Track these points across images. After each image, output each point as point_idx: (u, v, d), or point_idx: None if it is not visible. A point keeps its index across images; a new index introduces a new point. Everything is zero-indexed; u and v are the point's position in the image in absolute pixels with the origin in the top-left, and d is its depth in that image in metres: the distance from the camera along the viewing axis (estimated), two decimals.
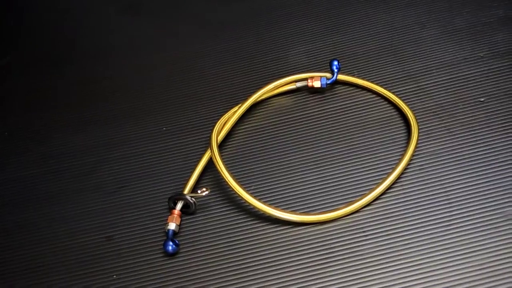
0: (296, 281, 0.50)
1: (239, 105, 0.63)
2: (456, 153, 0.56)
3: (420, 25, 0.69)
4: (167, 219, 0.54)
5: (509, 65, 0.62)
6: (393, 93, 0.61)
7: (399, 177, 0.54)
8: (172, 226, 0.53)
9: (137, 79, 0.72)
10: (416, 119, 0.58)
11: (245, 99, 0.63)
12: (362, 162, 0.57)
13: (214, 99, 0.67)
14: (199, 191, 0.55)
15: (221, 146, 0.60)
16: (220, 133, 0.60)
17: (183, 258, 0.52)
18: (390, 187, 0.54)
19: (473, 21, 0.68)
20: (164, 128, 0.65)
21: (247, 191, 0.54)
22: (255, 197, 0.54)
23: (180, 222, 0.54)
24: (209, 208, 0.56)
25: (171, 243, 0.52)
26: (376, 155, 0.57)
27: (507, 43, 0.65)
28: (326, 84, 0.64)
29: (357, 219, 0.53)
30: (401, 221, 0.52)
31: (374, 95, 0.63)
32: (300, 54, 0.70)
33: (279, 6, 0.77)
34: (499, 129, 0.57)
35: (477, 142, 0.56)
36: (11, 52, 0.79)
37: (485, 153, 0.55)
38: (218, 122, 0.61)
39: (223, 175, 0.55)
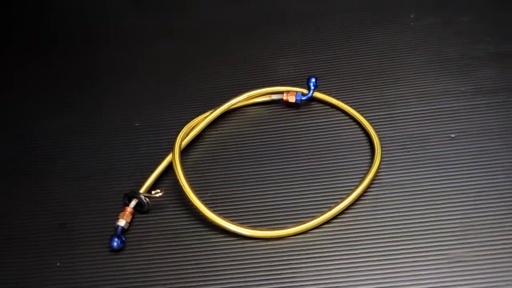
0: None
1: (211, 110, 0.63)
2: (417, 187, 0.55)
3: (410, 50, 0.69)
4: (119, 215, 0.55)
5: (488, 104, 0.61)
6: (365, 117, 0.61)
7: (353, 203, 0.54)
8: (121, 222, 0.54)
9: (123, 70, 0.73)
10: (381, 147, 0.57)
11: (218, 106, 0.63)
12: (321, 183, 0.57)
13: (192, 101, 0.67)
14: (153, 192, 0.55)
15: (187, 149, 0.61)
16: (186, 136, 0.60)
17: (127, 255, 0.53)
18: (342, 212, 0.54)
19: (463, 53, 0.67)
20: (137, 124, 0.66)
21: (199, 198, 0.54)
22: (206, 205, 0.54)
23: (132, 219, 0.55)
24: (163, 210, 0.57)
25: (117, 239, 0.53)
26: (336, 177, 0.57)
27: (492, 81, 0.63)
28: (301, 100, 0.63)
29: (305, 239, 0.53)
30: (346, 248, 0.51)
31: (346, 117, 0.62)
32: (287, 66, 0.70)
33: (276, 16, 0.77)
34: (466, 168, 0.56)
35: (441, 179, 0.55)
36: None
37: (447, 191, 0.54)
38: (187, 125, 0.61)
39: (179, 179, 0.55)
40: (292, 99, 0.64)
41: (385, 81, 0.65)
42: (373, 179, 0.55)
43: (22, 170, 0.62)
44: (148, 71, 0.73)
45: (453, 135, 0.59)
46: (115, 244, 0.52)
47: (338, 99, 0.63)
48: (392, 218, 0.53)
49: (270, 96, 0.65)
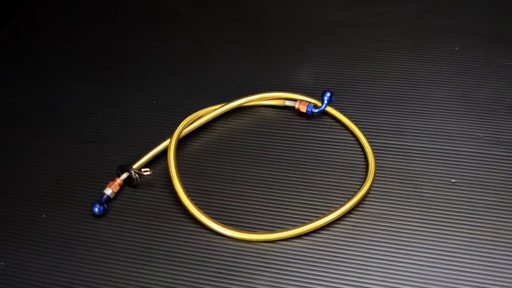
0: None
1: (223, 104, 0.64)
2: (400, 224, 0.53)
3: (435, 85, 0.66)
4: (108, 184, 0.58)
5: (502, 156, 0.58)
6: (370, 143, 0.59)
7: (330, 223, 0.53)
8: (108, 191, 0.57)
9: (161, 50, 0.76)
10: (374, 176, 0.56)
11: (231, 101, 0.64)
12: (309, 195, 0.56)
13: (213, 90, 0.69)
14: (142, 169, 0.58)
15: (190, 137, 0.63)
16: (190, 125, 0.62)
17: (106, 222, 0.56)
18: (321, 228, 0.53)
19: (495, 99, 0.63)
20: (155, 102, 0.68)
21: (184, 188, 0.55)
22: (189, 195, 0.55)
23: (119, 191, 0.58)
24: (152, 189, 0.59)
25: (99, 205, 0.55)
26: (324, 193, 0.56)
27: None
28: (312, 112, 0.63)
29: (288, 247, 0.53)
30: (326, 262, 0.51)
31: (352, 138, 0.61)
32: (309, 74, 0.69)
33: (308, 23, 0.77)
34: (455, 217, 0.53)
35: (426, 221, 0.53)
36: None
37: (431, 234, 0.52)
38: (194, 114, 0.63)
39: (169, 165, 0.57)
40: (303, 109, 0.63)
41: (403, 110, 0.63)
42: (355, 205, 0.54)
43: (41, 124, 0.67)
44: (181, 57, 0.75)
45: (453, 180, 0.56)
46: (96, 209, 0.55)
47: (349, 118, 0.62)
48: (370, 246, 0.52)
49: (284, 102, 0.65)
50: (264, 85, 0.68)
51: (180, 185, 0.55)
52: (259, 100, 0.65)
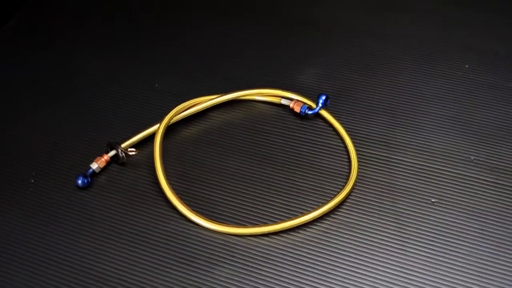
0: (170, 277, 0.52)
1: (220, 94, 0.65)
2: (375, 235, 0.53)
3: (437, 101, 0.65)
4: (95, 159, 0.59)
5: (490, 183, 0.56)
6: (356, 151, 0.59)
7: (306, 224, 0.54)
8: (94, 165, 0.59)
9: (177, 37, 0.78)
10: (353, 185, 0.56)
11: (228, 92, 0.65)
12: (288, 195, 0.56)
13: (213, 79, 0.70)
14: (129, 149, 0.59)
15: (182, 123, 0.64)
16: (184, 111, 0.63)
17: (88, 196, 0.58)
18: (296, 228, 0.53)
19: (500, 123, 0.61)
20: (156, 85, 0.70)
21: (165, 174, 0.56)
22: (170, 183, 0.56)
23: (106, 167, 0.60)
24: (138, 170, 0.60)
25: (83, 178, 0.57)
26: (305, 194, 0.56)
27: (509, 162, 0.58)
28: (305, 113, 0.63)
29: (256, 243, 0.53)
30: (289, 263, 0.51)
31: (341, 144, 0.61)
32: (311, 75, 0.69)
33: (316, 24, 0.77)
34: (432, 235, 0.52)
35: (402, 241, 0.52)
36: None
37: (403, 253, 0.52)
38: (190, 101, 0.64)
39: (154, 150, 0.58)
40: (297, 109, 0.63)
41: (398, 122, 0.62)
42: (328, 210, 0.54)
43: (51, 92, 0.70)
44: (190, 45, 0.76)
45: (433, 200, 0.55)
46: (79, 181, 0.57)
47: (342, 124, 0.62)
48: (333, 256, 0.52)
49: (280, 100, 0.65)
50: (265, 81, 0.68)
51: (161, 169, 0.56)
52: (256, 95, 0.66)
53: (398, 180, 0.57)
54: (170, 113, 0.61)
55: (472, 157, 0.58)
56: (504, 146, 0.59)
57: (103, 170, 0.60)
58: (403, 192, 0.56)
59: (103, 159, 0.59)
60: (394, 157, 0.59)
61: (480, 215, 0.53)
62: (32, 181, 0.59)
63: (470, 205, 0.54)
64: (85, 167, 0.59)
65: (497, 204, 0.54)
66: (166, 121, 0.60)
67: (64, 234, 0.55)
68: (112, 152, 0.60)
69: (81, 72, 0.73)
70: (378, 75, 0.69)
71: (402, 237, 0.52)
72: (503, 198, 0.55)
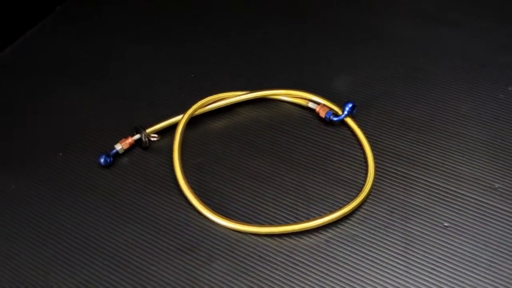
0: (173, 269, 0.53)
1: (249, 91, 0.65)
2: (378, 253, 0.52)
3: (469, 121, 0.62)
4: (120, 140, 0.62)
5: (509, 212, 0.53)
6: (375, 163, 0.58)
7: (309, 230, 0.53)
8: (118, 146, 0.61)
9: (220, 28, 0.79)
10: (364, 198, 0.54)
11: (257, 90, 0.65)
12: (301, 198, 0.56)
13: (248, 75, 0.70)
14: (152, 135, 0.61)
15: (210, 115, 0.65)
16: (209, 104, 0.64)
17: (108, 174, 0.60)
18: (299, 233, 0.53)
19: None
20: (192, 75, 0.71)
21: (181, 166, 0.57)
22: (185, 175, 0.57)
23: (129, 149, 0.62)
24: (159, 156, 0.62)
25: (105, 156, 0.60)
26: (317, 199, 0.56)
27: None
28: (330, 119, 0.62)
29: (258, 242, 0.53)
30: (285, 267, 0.51)
31: (361, 155, 0.59)
32: (345, 82, 0.68)
33: (363, 31, 0.76)
34: (439, 259, 0.50)
35: (406, 261, 0.51)
36: None
37: (406, 274, 0.50)
38: (218, 94, 0.65)
39: (174, 141, 0.59)
40: (322, 114, 0.63)
41: (424, 139, 0.60)
42: (333, 220, 0.53)
43: (87, 74, 0.74)
44: (241, 39, 0.77)
45: (446, 224, 0.53)
46: (102, 160, 0.60)
47: (365, 134, 0.60)
48: (332, 267, 0.51)
49: (308, 103, 0.65)
50: (297, 82, 0.68)
51: (178, 159, 0.58)
52: (284, 95, 0.66)
53: (413, 198, 0.55)
54: (195, 105, 0.62)
55: (497, 185, 0.55)
56: None
57: (126, 151, 0.62)
58: (416, 211, 0.54)
59: (127, 141, 0.62)
60: (414, 174, 0.57)
61: (492, 246, 0.51)
62: (60, 154, 0.63)
63: (484, 234, 0.52)
64: (111, 147, 0.62)
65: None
66: (189, 112, 0.61)
67: (80, 207, 0.57)
68: (137, 136, 0.62)
69: (119, 56, 0.76)
70: (414, 89, 0.66)
71: (408, 258, 0.51)
72: None
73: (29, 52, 0.79)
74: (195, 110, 0.62)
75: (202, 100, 0.63)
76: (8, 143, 0.66)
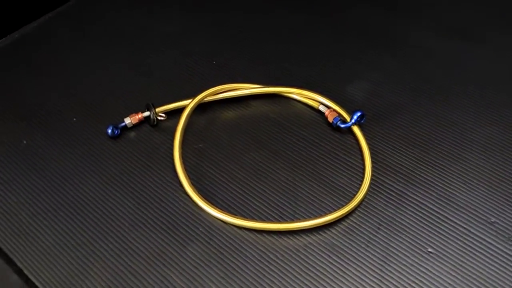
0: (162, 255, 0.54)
1: (261, 86, 0.66)
2: (352, 267, 0.51)
3: (477, 149, 0.59)
4: (130, 115, 0.64)
5: (498, 248, 0.50)
6: (373, 179, 0.56)
7: (289, 232, 0.53)
8: (127, 120, 0.63)
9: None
10: (352, 209, 0.54)
11: (271, 85, 0.65)
12: (287, 201, 0.56)
13: (266, 69, 0.71)
14: (160, 114, 0.63)
15: (222, 104, 0.66)
16: (220, 93, 0.65)
17: (113, 146, 0.62)
18: (279, 233, 0.53)
19: None
20: (214, 62, 0.72)
21: (181, 146, 0.59)
22: (183, 162, 0.58)
23: (138, 124, 0.64)
24: (165, 135, 0.63)
25: (112, 127, 0.62)
26: (303, 206, 0.56)
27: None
28: (336, 125, 0.61)
29: (242, 235, 0.54)
30: (260, 264, 0.51)
31: (361, 166, 0.58)
32: (362, 89, 0.67)
33: (386, 39, 0.75)
34: (413, 283, 0.49)
35: (380, 280, 0.50)
36: None
37: None
38: (229, 85, 0.65)
39: (179, 122, 0.60)
40: (330, 118, 0.62)
41: (429, 161, 0.58)
42: (314, 226, 0.53)
43: (119, 44, 0.76)
44: (272, 32, 0.78)
45: (430, 250, 0.51)
46: (109, 131, 0.62)
47: (369, 145, 0.59)
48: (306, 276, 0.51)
49: (319, 105, 0.64)
50: (316, 82, 0.68)
51: (179, 141, 0.59)
52: (297, 95, 0.65)
53: (402, 217, 0.54)
54: (205, 92, 0.63)
55: (493, 219, 0.53)
56: None
57: (135, 127, 0.64)
58: (403, 231, 0.53)
59: (137, 117, 0.64)
60: (409, 193, 0.56)
61: (473, 280, 0.49)
62: (74, 119, 0.66)
63: (468, 267, 0.50)
64: (122, 120, 0.64)
65: (498, 276, 0.49)
66: (198, 98, 0.62)
67: (81, 169, 0.60)
68: (146, 113, 0.64)
69: (147, 34, 0.78)
70: (428, 106, 0.65)
71: (382, 277, 0.50)
72: (509, 272, 0.49)
73: (70, 17, 0.83)
74: (205, 97, 0.63)
75: (213, 88, 0.64)
76: (27, 100, 0.69)
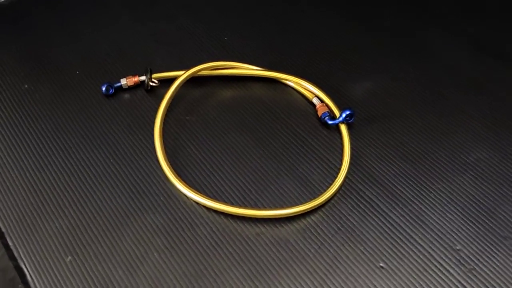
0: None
1: (260, 69, 0.64)
2: (300, 268, 0.50)
3: (467, 178, 0.55)
4: (127, 76, 0.64)
5: (450, 274, 0.47)
6: (347, 182, 0.54)
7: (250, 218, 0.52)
8: (122, 81, 0.64)
9: None
10: (312, 207, 0.52)
11: (272, 70, 0.64)
12: (261, 189, 0.55)
13: (278, 51, 0.69)
14: (153, 80, 0.63)
15: (221, 81, 0.65)
16: (216, 69, 0.64)
17: (106, 103, 0.63)
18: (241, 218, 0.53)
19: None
20: (226, 38, 0.71)
21: (163, 118, 0.59)
22: (164, 129, 0.59)
23: (133, 86, 0.64)
24: (157, 102, 0.62)
25: (107, 85, 0.63)
26: (274, 197, 0.54)
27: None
28: (324, 120, 0.59)
29: (211, 217, 0.53)
30: (212, 248, 0.51)
31: (338, 167, 0.56)
32: (365, 88, 0.64)
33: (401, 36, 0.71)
34: None
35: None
36: None
37: None
38: (228, 62, 0.64)
39: (166, 92, 0.60)
40: (319, 113, 0.60)
41: (409, 177, 0.55)
42: (271, 217, 0.52)
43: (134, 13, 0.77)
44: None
45: (382, 264, 0.48)
46: (103, 88, 0.63)
47: (352, 148, 0.57)
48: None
49: (313, 97, 0.62)
50: (321, 73, 0.66)
51: (163, 110, 0.59)
52: (294, 83, 0.64)
53: (365, 227, 0.51)
54: (201, 66, 0.62)
55: (458, 247, 0.49)
56: (498, 253, 0.49)
57: (131, 88, 0.65)
58: (360, 241, 0.51)
59: (133, 79, 0.64)
60: (379, 204, 0.53)
61: None
62: (78, 72, 0.68)
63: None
64: (117, 80, 0.65)
65: None
66: (192, 71, 0.62)
67: (69, 121, 0.61)
68: (143, 77, 0.65)
69: (162, 2, 0.78)
70: (429, 119, 0.61)
71: (325, 283, 0.48)
72: None
73: None
74: (199, 70, 0.63)
75: (210, 63, 0.63)
76: (33, 48, 0.70)
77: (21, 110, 0.63)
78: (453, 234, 0.50)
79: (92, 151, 0.58)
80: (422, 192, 0.54)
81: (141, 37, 0.72)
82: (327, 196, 0.53)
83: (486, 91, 0.64)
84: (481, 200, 0.53)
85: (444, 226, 0.51)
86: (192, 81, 0.65)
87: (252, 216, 0.52)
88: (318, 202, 0.52)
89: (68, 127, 0.61)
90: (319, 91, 0.62)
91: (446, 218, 0.52)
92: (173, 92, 0.61)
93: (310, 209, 0.52)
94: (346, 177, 0.55)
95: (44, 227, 0.52)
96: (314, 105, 0.62)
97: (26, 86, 0.66)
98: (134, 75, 0.65)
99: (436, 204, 0.53)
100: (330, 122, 0.59)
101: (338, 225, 0.52)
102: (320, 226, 0.52)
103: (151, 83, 0.63)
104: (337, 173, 0.55)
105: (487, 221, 0.51)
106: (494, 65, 0.67)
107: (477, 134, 0.59)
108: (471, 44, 0.71)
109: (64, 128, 0.61)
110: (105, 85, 0.64)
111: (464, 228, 0.51)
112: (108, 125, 0.61)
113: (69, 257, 0.50)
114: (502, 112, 0.61)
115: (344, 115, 0.58)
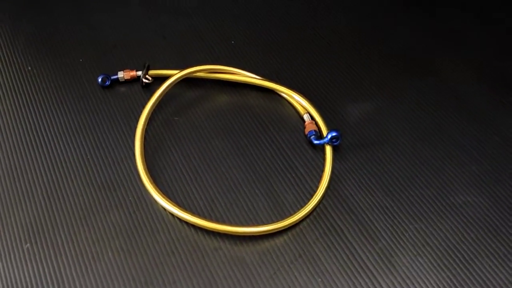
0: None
1: (256, 77, 0.62)
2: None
3: (453, 218, 0.51)
4: (125, 69, 0.64)
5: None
6: (321, 208, 0.51)
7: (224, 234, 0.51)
8: (120, 74, 0.64)
9: None
10: (289, 224, 0.49)
11: (268, 80, 0.62)
12: (240, 202, 0.53)
13: (287, 63, 0.67)
14: (147, 76, 0.62)
15: (219, 86, 0.64)
16: (212, 72, 0.63)
17: (101, 95, 0.63)
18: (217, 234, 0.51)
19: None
20: (233, 42, 0.70)
21: (147, 118, 0.58)
22: (147, 127, 0.58)
23: (130, 80, 0.64)
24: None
25: (103, 77, 0.63)
26: (251, 212, 0.53)
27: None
28: (309, 139, 0.56)
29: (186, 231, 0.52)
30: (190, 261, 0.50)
31: (315, 186, 0.53)
32: (360, 109, 0.61)
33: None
34: None
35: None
36: None
37: None
38: (225, 67, 0.63)
39: (154, 93, 0.59)
40: (306, 130, 0.57)
41: (388, 210, 0.52)
42: (249, 234, 0.50)
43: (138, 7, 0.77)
44: (312, 33, 0.73)
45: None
46: (99, 79, 0.63)
47: (333, 172, 0.54)
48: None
49: (304, 113, 0.59)
50: (322, 89, 0.63)
51: (149, 108, 0.58)
52: (287, 96, 0.61)
53: (326, 258, 0.49)
54: (195, 67, 0.61)
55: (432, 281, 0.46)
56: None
57: (129, 82, 0.65)
58: (318, 273, 0.48)
59: (130, 73, 0.64)
60: (348, 237, 0.50)
61: None
62: (81, 60, 0.68)
63: None
64: (114, 70, 0.65)
65: None
66: (185, 72, 0.61)
67: (63, 105, 0.61)
68: (139, 72, 0.64)
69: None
70: (425, 155, 0.57)
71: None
72: None
73: None
74: (194, 72, 0.61)
75: (206, 66, 0.62)
76: (41, 32, 0.71)
77: (18, 91, 0.64)
78: (421, 281, 0.47)
79: (72, 140, 0.59)
80: (397, 230, 0.50)
81: (150, 31, 0.72)
82: (295, 220, 0.50)
83: (491, 126, 0.59)
84: (459, 248, 0.49)
85: (412, 271, 0.47)
86: (190, 82, 0.64)
87: (213, 230, 0.51)
88: (284, 225, 0.50)
89: (56, 114, 0.61)
90: (312, 107, 0.59)
91: (417, 263, 0.48)
92: (162, 91, 0.60)
93: (274, 231, 0.50)
94: (320, 201, 0.52)
95: (11, 211, 0.53)
96: (304, 121, 0.59)
97: (29, 68, 0.67)
98: (132, 69, 0.65)
99: (409, 246, 0.49)
100: (315, 141, 0.56)
101: (300, 252, 0.49)
102: (281, 250, 0.50)
103: (144, 80, 0.63)
104: (313, 194, 0.53)
105: (461, 272, 0.47)
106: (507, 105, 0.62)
107: (471, 175, 0.54)
108: (486, 76, 0.65)
109: (51, 115, 0.61)
110: (101, 76, 0.64)
111: (433, 277, 0.47)
112: (96, 116, 0.61)
113: (27, 244, 0.51)
114: (505, 156, 0.56)
115: (329, 136, 0.55)
